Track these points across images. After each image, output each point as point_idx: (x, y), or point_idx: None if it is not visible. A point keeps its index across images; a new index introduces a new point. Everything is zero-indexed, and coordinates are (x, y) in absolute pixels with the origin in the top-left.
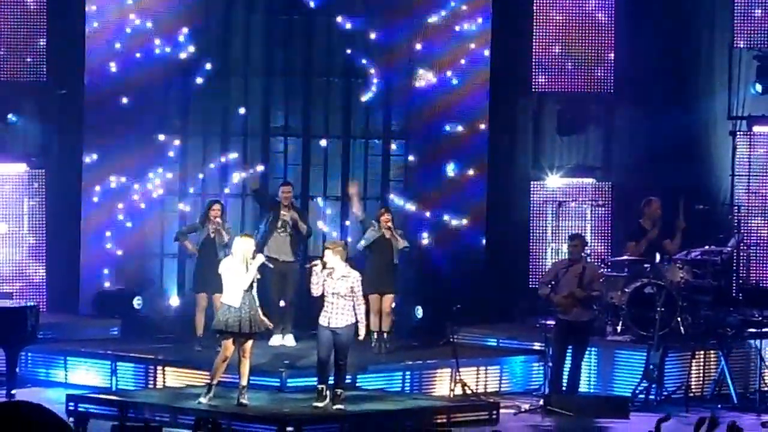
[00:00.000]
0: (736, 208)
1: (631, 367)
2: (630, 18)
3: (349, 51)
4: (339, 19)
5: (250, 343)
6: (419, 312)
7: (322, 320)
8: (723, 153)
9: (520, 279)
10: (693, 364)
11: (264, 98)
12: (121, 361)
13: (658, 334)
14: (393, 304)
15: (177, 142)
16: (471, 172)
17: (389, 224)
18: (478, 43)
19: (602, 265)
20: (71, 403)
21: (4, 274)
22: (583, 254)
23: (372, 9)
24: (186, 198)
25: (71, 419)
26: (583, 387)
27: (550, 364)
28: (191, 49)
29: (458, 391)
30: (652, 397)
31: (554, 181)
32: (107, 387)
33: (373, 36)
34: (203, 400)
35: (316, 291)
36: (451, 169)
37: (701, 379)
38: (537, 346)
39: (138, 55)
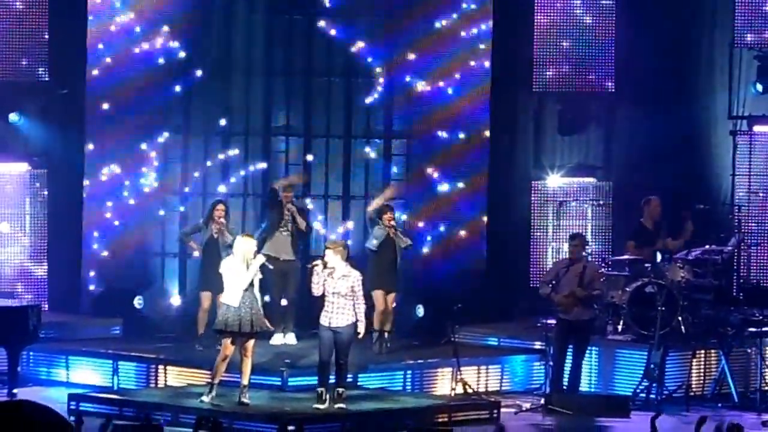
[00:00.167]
0: (736, 207)
1: (632, 367)
2: (631, 18)
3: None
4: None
5: (251, 342)
6: (420, 311)
7: (323, 320)
8: (723, 152)
9: (520, 278)
10: (694, 363)
11: (265, 98)
12: (122, 360)
13: (658, 333)
14: (394, 303)
15: (178, 142)
16: (472, 170)
17: (392, 223)
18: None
19: (603, 265)
20: (73, 403)
21: (5, 274)
22: (583, 254)
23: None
24: (187, 197)
25: (72, 418)
26: (583, 386)
27: (551, 363)
28: (192, 48)
29: (459, 390)
30: (652, 396)
31: (555, 181)
32: (109, 386)
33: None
34: (206, 399)
35: (317, 291)
36: (452, 167)
37: (702, 378)
38: (538, 345)
39: (139, 54)
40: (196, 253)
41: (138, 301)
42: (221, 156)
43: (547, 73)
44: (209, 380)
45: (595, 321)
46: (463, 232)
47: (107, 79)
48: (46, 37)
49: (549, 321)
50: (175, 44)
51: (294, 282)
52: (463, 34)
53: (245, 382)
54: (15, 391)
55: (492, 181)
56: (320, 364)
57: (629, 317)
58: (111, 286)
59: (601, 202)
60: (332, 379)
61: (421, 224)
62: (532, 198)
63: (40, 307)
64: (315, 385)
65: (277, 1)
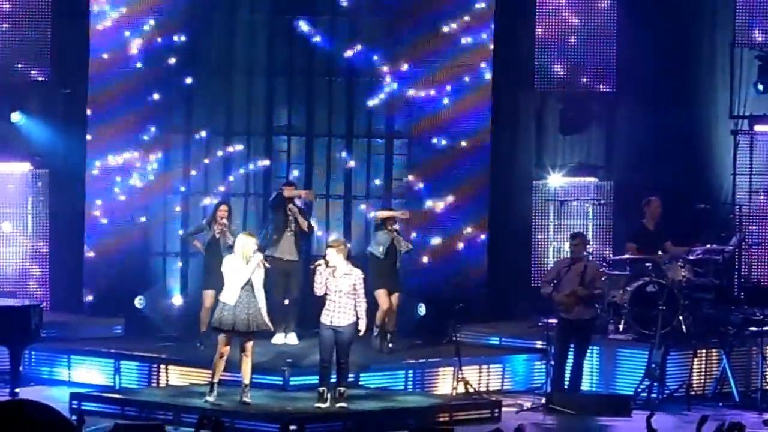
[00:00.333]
0: (737, 207)
1: (633, 366)
2: (632, 17)
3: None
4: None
5: (250, 342)
6: (422, 309)
7: (324, 319)
8: (724, 152)
9: (522, 278)
10: (695, 362)
11: (267, 97)
12: (124, 360)
13: (659, 332)
14: (398, 303)
15: (180, 141)
16: (473, 169)
17: (395, 226)
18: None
19: (604, 264)
20: (74, 402)
21: (7, 273)
22: (584, 253)
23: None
24: (189, 197)
25: (74, 417)
26: (585, 385)
27: (552, 362)
28: (194, 48)
29: (461, 389)
30: (654, 395)
31: (556, 180)
32: (110, 385)
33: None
34: (209, 398)
35: (319, 290)
36: (453, 167)
37: (703, 377)
38: (539, 344)
39: (141, 54)
40: (202, 249)
41: (139, 301)
42: (219, 153)
43: (549, 72)
44: (209, 380)
45: (597, 320)
46: (464, 232)
47: (108, 79)
48: (49, 37)
49: (550, 320)
50: (177, 43)
51: (296, 282)
52: (465, 34)
53: (246, 381)
54: (17, 390)
55: (493, 180)
56: (321, 364)
57: (630, 316)
58: (113, 286)
59: (602, 202)
60: (333, 379)
61: (422, 224)
62: (534, 197)
63: (42, 306)
64: (316, 385)
65: (279, 1)
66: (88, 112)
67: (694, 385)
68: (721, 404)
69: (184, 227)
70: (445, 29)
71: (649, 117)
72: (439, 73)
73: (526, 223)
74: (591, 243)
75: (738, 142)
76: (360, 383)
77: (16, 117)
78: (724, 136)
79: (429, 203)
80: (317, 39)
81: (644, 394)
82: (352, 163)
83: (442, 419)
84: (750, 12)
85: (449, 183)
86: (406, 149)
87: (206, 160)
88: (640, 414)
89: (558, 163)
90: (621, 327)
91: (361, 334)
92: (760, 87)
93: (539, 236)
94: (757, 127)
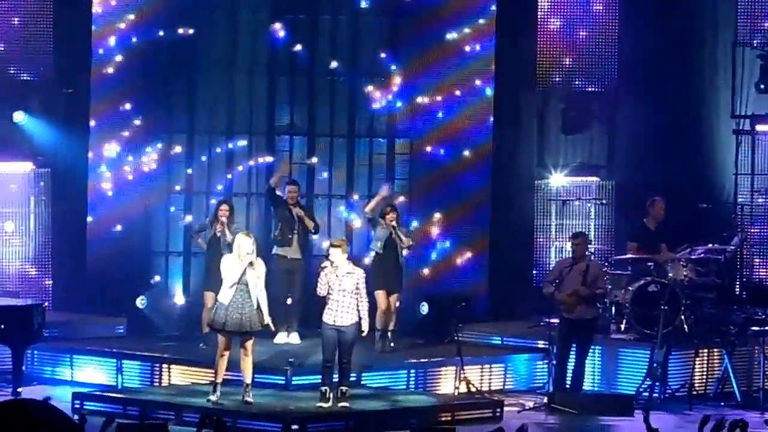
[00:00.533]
0: (739, 206)
1: (635, 365)
2: (634, 17)
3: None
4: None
5: (249, 341)
6: (424, 308)
7: (327, 318)
8: (726, 152)
9: (524, 277)
10: (696, 362)
11: (269, 97)
12: (126, 359)
13: (661, 332)
14: (398, 303)
15: (181, 140)
16: (475, 169)
17: (393, 223)
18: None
19: (605, 264)
20: (77, 401)
21: (10, 273)
22: (586, 252)
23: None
24: (192, 196)
25: (76, 417)
26: (587, 385)
27: (554, 362)
28: (196, 47)
29: (463, 389)
30: (655, 395)
31: (558, 180)
32: (113, 385)
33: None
34: (212, 398)
35: (322, 291)
36: (455, 167)
37: (705, 377)
38: (541, 344)
39: (142, 53)
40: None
41: (141, 301)
42: (218, 150)
43: (551, 72)
44: (213, 379)
45: (598, 320)
46: (466, 231)
47: (110, 78)
48: (51, 37)
49: (552, 320)
50: (178, 43)
51: (300, 281)
52: (467, 35)
53: (248, 380)
54: (19, 389)
55: (495, 179)
56: (324, 363)
57: (632, 316)
58: (115, 285)
59: (604, 201)
60: (336, 378)
61: (423, 223)
62: (536, 197)
63: (44, 306)
64: (318, 384)
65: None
66: (92, 117)
67: (696, 385)
68: (723, 404)
69: (186, 227)
70: (448, 29)
71: (650, 117)
72: (441, 74)
73: (528, 222)
74: (593, 243)
75: (740, 141)
76: (362, 383)
77: (18, 117)
78: (725, 136)
79: (431, 202)
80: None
81: (646, 394)
82: (314, 159)
83: (444, 419)
84: (752, 11)
85: (452, 182)
86: (408, 149)
87: (203, 158)
88: (642, 414)
89: (560, 162)
90: (623, 326)
91: (364, 334)
92: (762, 87)
93: (541, 236)
94: (759, 127)
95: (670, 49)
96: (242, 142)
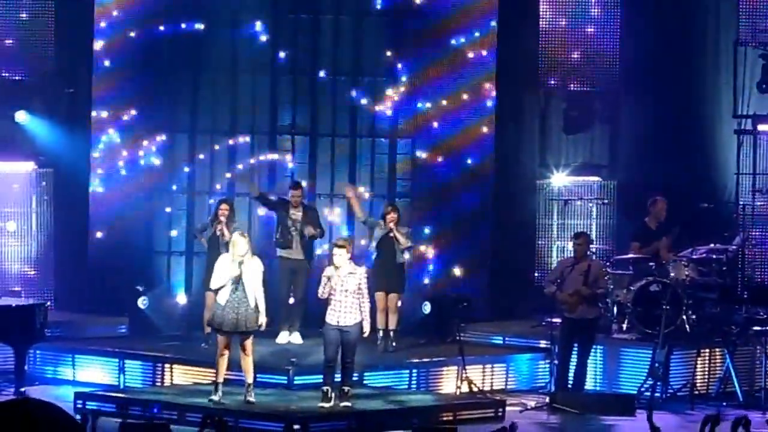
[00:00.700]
0: (741, 206)
1: (637, 365)
2: (635, 17)
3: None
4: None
5: (249, 340)
6: (427, 308)
7: (330, 319)
8: (728, 151)
9: (525, 277)
10: (698, 361)
11: (271, 97)
12: (128, 359)
13: (663, 332)
14: (399, 303)
15: (183, 139)
16: (477, 169)
17: (392, 224)
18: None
19: (607, 264)
20: (79, 401)
21: (12, 272)
22: (588, 252)
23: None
24: (193, 196)
25: (78, 417)
26: (588, 385)
27: (556, 361)
28: (199, 47)
29: (465, 388)
30: (657, 394)
31: (560, 180)
32: (115, 385)
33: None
34: (214, 398)
35: (324, 294)
36: (457, 166)
37: (706, 376)
38: (543, 344)
39: (144, 53)
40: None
41: (142, 302)
42: (217, 147)
43: (553, 72)
44: (214, 379)
45: (600, 320)
46: (468, 231)
47: (112, 77)
48: (53, 36)
49: (554, 320)
50: (181, 44)
51: (302, 281)
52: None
53: (249, 380)
54: (22, 389)
55: (497, 179)
56: (326, 363)
57: (634, 316)
58: (117, 285)
59: (606, 201)
60: (338, 378)
61: (425, 222)
62: (537, 197)
63: (47, 305)
64: (321, 384)
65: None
66: (93, 116)
67: (698, 385)
68: (724, 404)
69: (188, 226)
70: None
71: (652, 116)
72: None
73: (529, 222)
74: (594, 242)
75: (741, 141)
76: (364, 382)
77: (20, 116)
78: (727, 136)
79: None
80: (321, 38)
81: (648, 394)
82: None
83: (446, 418)
84: (754, 11)
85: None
86: (411, 148)
87: (205, 157)
88: (644, 413)
89: (562, 162)
90: (624, 326)
91: (365, 334)
92: (764, 86)
93: (543, 236)
94: (761, 127)
95: (672, 49)
96: (244, 140)
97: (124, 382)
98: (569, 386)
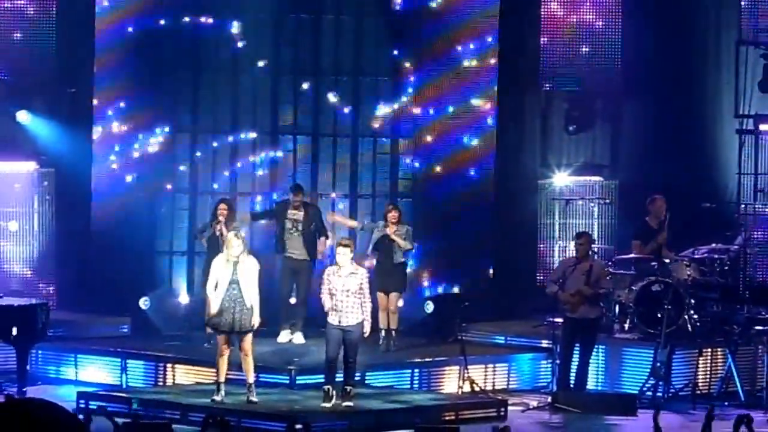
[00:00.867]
0: (742, 206)
1: (639, 365)
2: (637, 17)
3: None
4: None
5: (247, 340)
6: (429, 307)
7: (332, 319)
8: (729, 151)
9: (527, 277)
10: (700, 361)
11: (273, 96)
12: (130, 359)
13: (665, 331)
14: (400, 303)
15: (185, 139)
16: (479, 169)
17: (394, 221)
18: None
19: (609, 264)
20: (82, 401)
21: (14, 272)
22: (590, 252)
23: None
24: (196, 196)
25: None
26: (590, 384)
27: (558, 361)
28: (199, 48)
29: (467, 388)
30: (659, 394)
31: (561, 179)
32: (117, 384)
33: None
34: (216, 397)
35: (327, 303)
36: (458, 166)
37: (708, 376)
38: (545, 343)
39: (145, 53)
40: None
41: (144, 302)
42: (215, 144)
43: (554, 71)
44: (216, 379)
45: (602, 319)
46: (469, 231)
47: (113, 76)
48: (54, 36)
49: (556, 319)
50: (183, 44)
51: (305, 281)
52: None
53: (250, 380)
54: (24, 389)
55: (499, 179)
56: (328, 363)
57: (636, 316)
58: (119, 285)
59: (608, 201)
60: (340, 378)
61: (426, 221)
62: (539, 196)
63: (49, 305)
64: (322, 384)
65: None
66: (94, 115)
67: (700, 384)
68: (726, 403)
69: (190, 226)
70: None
71: (653, 116)
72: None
73: (531, 222)
74: (596, 242)
75: (743, 141)
76: (366, 382)
77: (22, 116)
78: (729, 136)
79: (434, 201)
80: (323, 39)
81: (650, 393)
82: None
83: (448, 418)
84: (755, 11)
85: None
86: (412, 148)
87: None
88: (646, 413)
89: (563, 162)
90: (626, 326)
91: (366, 334)
92: (766, 86)
93: (544, 235)
94: (762, 127)
95: (674, 49)
96: (245, 140)
97: (127, 382)
98: (571, 386)
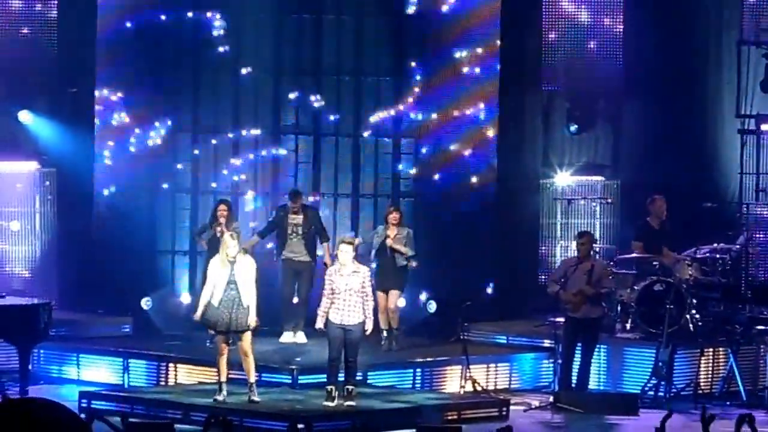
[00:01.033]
0: (744, 206)
1: (641, 365)
2: (639, 16)
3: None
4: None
5: (246, 340)
6: (432, 306)
7: (334, 318)
8: (731, 151)
9: (529, 276)
10: (702, 361)
11: (274, 96)
12: (132, 358)
13: (667, 331)
14: (400, 302)
15: (187, 140)
16: (480, 168)
17: (395, 222)
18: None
19: (610, 263)
20: (84, 400)
21: (16, 272)
22: (592, 252)
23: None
24: (197, 195)
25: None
26: (592, 384)
27: (560, 361)
28: (201, 48)
29: (469, 388)
30: (661, 394)
31: (563, 179)
32: (119, 384)
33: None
34: (218, 397)
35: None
36: (460, 166)
37: (710, 376)
38: (547, 343)
39: (147, 53)
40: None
41: (146, 303)
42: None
43: (556, 71)
44: (217, 379)
45: (604, 319)
46: (471, 230)
47: (114, 75)
48: (55, 36)
49: (558, 319)
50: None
51: (307, 281)
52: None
53: (251, 380)
54: (27, 389)
55: (500, 179)
56: (330, 362)
57: (638, 315)
58: (121, 284)
59: (610, 201)
60: (342, 377)
61: (428, 221)
62: (541, 196)
63: (51, 304)
64: (324, 383)
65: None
66: (96, 115)
67: (702, 384)
68: (728, 403)
69: (191, 226)
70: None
71: (655, 116)
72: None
73: (533, 221)
74: (598, 242)
75: (745, 141)
76: (368, 382)
77: (23, 116)
78: (730, 135)
79: (436, 200)
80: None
81: (651, 393)
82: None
83: (450, 418)
84: (757, 10)
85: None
86: (414, 147)
87: (196, 151)
88: (648, 413)
89: (565, 162)
90: (628, 326)
91: (368, 333)
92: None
93: (546, 235)
94: (764, 126)
95: (675, 49)
96: (246, 140)
97: (129, 382)
98: (573, 385)
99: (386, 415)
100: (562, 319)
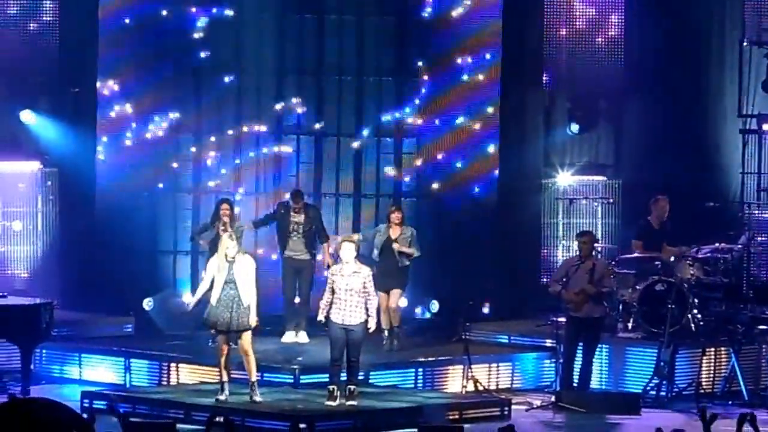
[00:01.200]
0: (746, 205)
1: (642, 364)
2: (641, 16)
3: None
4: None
5: (246, 340)
6: (434, 306)
7: (335, 318)
8: (733, 150)
9: (531, 276)
10: (704, 360)
11: (276, 96)
12: (134, 358)
13: (668, 331)
14: (402, 302)
15: (188, 140)
16: (482, 168)
17: (397, 221)
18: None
19: (612, 262)
20: (86, 400)
21: (18, 272)
22: (593, 251)
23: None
24: (199, 195)
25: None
26: (594, 383)
27: (562, 360)
28: (202, 47)
29: (470, 387)
30: (662, 393)
31: (565, 179)
32: (121, 384)
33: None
34: (220, 397)
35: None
36: (462, 166)
37: (712, 375)
38: (548, 343)
39: (148, 53)
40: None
41: (147, 303)
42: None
43: (557, 71)
44: (219, 378)
45: (606, 318)
46: (472, 230)
47: (115, 75)
48: (57, 36)
49: (559, 319)
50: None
51: (307, 280)
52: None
53: (252, 379)
54: (29, 389)
55: (502, 179)
56: (332, 362)
57: (639, 315)
58: (123, 284)
59: (611, 200)
60: (344, 377)
61: (430, 221)
62: (543, 196)
63: (53, 304)
64: (326, 383)
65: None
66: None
67: (703, 384)
68: (730, 402)
69: (193, 226)
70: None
71: (657, 116)
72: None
73: (535, 221)
74: (599, 241)
75: (746, 141)
76: (370, 381)
77: (25, 116)
78: (732, 135)
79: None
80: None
81: (653, 392)
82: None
83: (451, 417)
84: (759, 10)
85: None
86: (416, 148)
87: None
88: (649, 412)
89: (567, 162)
90: (630, 325)
91: (370, 331)
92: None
93: (548, 235)
94: (766, 126)
95: (677, 48)
96: (248, 139)
97: (130, 382)
98: (574, 385)
99: (388, 414)
100: (563, 319)
